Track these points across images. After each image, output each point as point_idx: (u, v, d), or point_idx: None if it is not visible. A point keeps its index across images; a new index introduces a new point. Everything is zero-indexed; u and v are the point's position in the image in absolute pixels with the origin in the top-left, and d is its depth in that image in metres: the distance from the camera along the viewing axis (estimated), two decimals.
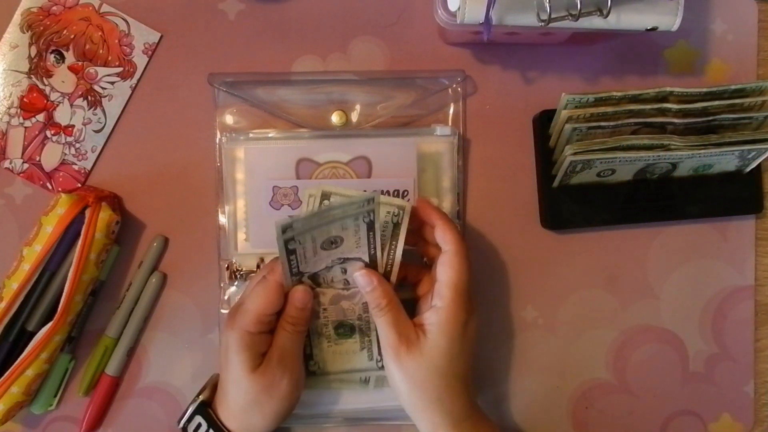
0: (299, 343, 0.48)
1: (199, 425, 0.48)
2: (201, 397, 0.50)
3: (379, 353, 0.52)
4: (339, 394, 0.55)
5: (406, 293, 0.52)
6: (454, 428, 0.46)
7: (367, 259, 0.47)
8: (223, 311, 0.56)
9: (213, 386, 0.50)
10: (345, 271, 0.48)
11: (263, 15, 0.57)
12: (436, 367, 0.45)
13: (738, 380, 0.59)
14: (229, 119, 0.56)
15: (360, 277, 0.47)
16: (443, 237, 0.47)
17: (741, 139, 0.52)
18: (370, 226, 0.45)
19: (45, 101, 0.56)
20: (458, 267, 0.46)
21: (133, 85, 0.57)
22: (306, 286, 0.48)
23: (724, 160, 0.54)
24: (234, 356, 0.46)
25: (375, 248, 0.46)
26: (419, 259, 0.52)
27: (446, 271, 0.46)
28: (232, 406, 0.48)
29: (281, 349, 0.47)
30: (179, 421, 0.49)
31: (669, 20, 0.48)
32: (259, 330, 0.46)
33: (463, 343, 0.46)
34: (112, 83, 0.57)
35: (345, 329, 0.51)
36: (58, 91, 0.56)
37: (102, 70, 0.56)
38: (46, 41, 0.56)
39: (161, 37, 0.57)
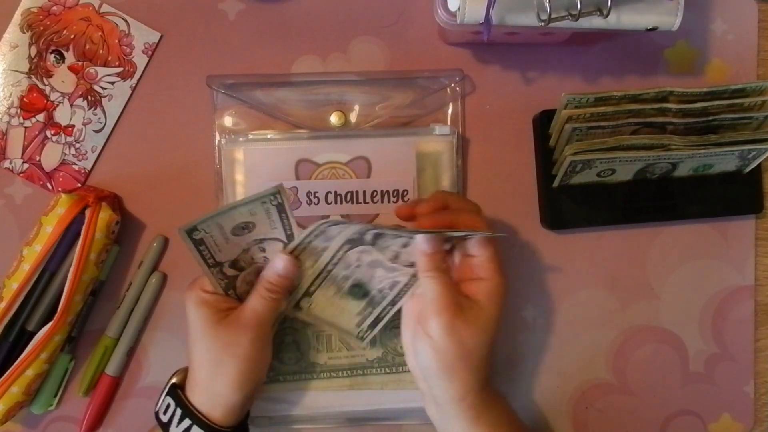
0: (271, 309, 0.48)
1: (168, 406, 0.47)
2: (173, 380, 0.49)
3: (369, 327, 0.51)
4: (339, 395, 0.55)
5: None
6: (482, 391, 0.47)
7: (284, 239, 0.47)
8: None
9: (185, 370, 0.50)
10: (264, 250, 0.48)
11: (263, 15, 0.57)
12: (487, 335, 0.46)
13: (738, 380, 0.59)
14: (228, 121, 0.56)
15: (423, 241, 0.46)
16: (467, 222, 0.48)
17: (741, 139, 0.52)
18: (281, 208, 0.45)
19: (45, 101, 0.56)
20: (495, 241, 0.47)
21: (133, 85, 0.57)
22: (293, 257, 0.48)
23: (724, 160, 0.54)
24: (193, 314, 0.47)
25: (290, 228, 0.46)
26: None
27: (483, 249, 0.47)
28: (197, 374, 0.47)
29: (250, 311, 0.47)
30: (155, 408, 0.49)
31: (669, 20, 0.48)
32: (214, 290, 0.47)
33: (503, 312, 0.47)
34: (112, 83, 0.57)
35: (359, 291, 0.50)
36: (58, 91, 0.56)
37: (102, 70, 0.56)
38: (46, 41, 0.56)
39: (161, 37, 0.57)
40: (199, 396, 0.47)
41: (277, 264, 0.48)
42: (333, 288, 0.50)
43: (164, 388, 0.49)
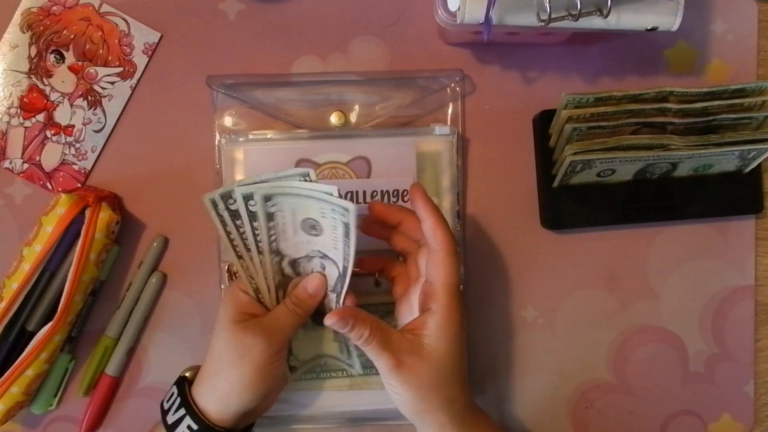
0: (292, 322, 0.47)
1: (172, 394, 0.48)
2: (186, 374, 0.49)
3: (347, 353, 0.52)
4: (339, 395, 0.55)
5: (384, 297, 0.52)
6: (462, 424, 0.46)
7: (340, 266, 0.46)
8: None
9: (197, 368, 0.50)
10: (324, 267, 0.47)
11: (263, 15, 0.57)
12: (443, 371, 0.45)
13: (738, 380, 0.59)
14: (228, 121, 0.56)
15: (334, 323, 0.45)
16: (434, 234, 0.45)
17: (741, 139, 0.52)
18: (347, 232, 0.43)
19: (45, 101, 0.56)
20: (452, 267, 0.45)
21: (133, 85, 0.57)
22: (323, 277, 0.48)
23: (724, 160, 0.54)
24: (222, 307, 0.47)
25: (348, 259, 0.45)
26: (392, 254, 0.51)
27: (440, 272, 0.44)
28: (206, 366, 0.47)
29: (273, 319, 0.47)
30: (163, 397, 0.49)
31: (669, 20, 0.48)
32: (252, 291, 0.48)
33: (462, 342, 0.46)
34: (112, 83, 0.57)
35: (320, 317, 0.49)
36: (58, 91, 0.56)
37: (102, 70, 0.56)
38: (46, 41, 0.56)
39: (161, 37, 0.57)
40: (202, 388, 0.47)
41: (310, 284, 0.48)
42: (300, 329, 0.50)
43: (176, 379, 0.50)
